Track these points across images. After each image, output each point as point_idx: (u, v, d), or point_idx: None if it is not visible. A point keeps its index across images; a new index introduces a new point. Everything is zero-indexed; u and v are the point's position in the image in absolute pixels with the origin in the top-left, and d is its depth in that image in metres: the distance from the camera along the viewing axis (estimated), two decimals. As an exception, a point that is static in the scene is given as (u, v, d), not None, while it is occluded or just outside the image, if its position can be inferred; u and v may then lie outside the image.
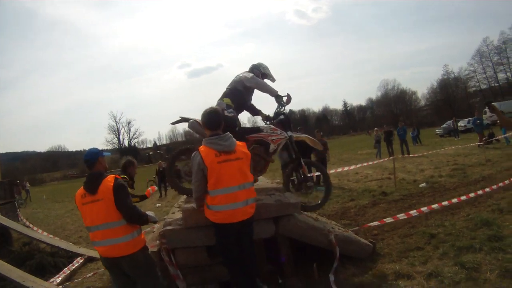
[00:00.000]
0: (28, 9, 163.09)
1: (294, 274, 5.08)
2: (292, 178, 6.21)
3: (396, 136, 22.67)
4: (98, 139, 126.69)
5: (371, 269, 5.03)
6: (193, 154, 4.11)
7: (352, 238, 5.55)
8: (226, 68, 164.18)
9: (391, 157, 14.76)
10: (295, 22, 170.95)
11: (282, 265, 5.14)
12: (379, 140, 23.44)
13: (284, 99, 5.85)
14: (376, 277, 4.75)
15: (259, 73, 6.14)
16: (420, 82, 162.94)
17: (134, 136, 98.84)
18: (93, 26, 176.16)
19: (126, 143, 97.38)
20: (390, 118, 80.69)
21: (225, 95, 5.90)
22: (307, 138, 6.34)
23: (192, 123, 5.67)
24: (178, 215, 5.49)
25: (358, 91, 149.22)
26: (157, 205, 14.58)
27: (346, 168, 11.91)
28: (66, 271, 7.56)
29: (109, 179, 3.80)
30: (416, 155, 18.07)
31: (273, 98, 5.74)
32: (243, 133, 5.72)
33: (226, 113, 5.56)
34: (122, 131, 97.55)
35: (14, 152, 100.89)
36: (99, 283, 6.53)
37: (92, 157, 3.92)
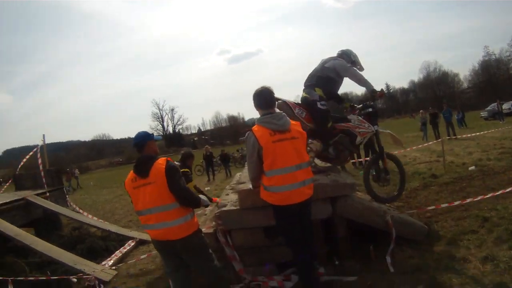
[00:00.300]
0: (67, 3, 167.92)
1: (351, 256, 5.01)
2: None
3: (442, 119, 22.04)
4: (142, 127, 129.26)
5: (427, 251, 4.91)
6: (246, 135, 4.03)
7: (408, 219, 5.42)
8: (265, 53, 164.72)
9: (438, 140, 14.36)
10: (332, 6, 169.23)
11: (338, 247, 5.04)
12: (425, 123, 22.98)
13: (378, 94, 5.66)
14: (432, 259, 4.65)
15: (349, 60, 5.86)
16: (461, 64, 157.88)
17: (178, 123, 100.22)
18: (132, 17, 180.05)
19: (170, 129, 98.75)
20: (433, 100, 78.21)
21: (316, 84, 5.66)
22: (390, 135, 6.22)
23: (281, 104, 5.51)
24: (233, 196, 5.49)
25: (399, 74, 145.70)
26: (206, 188, 14.63)
27: (395, 152, 11.69)
28: (118, 253, 7.71)
29: (161, 162, 3.73)
30: (463, 136, 17.68)
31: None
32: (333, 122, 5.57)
33: (319, 105, 5.47)
34: (166, 118, 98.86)
35: (59, 142, 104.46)
36: (152, 265, 6.63)
37: (142, 139, 3.91)
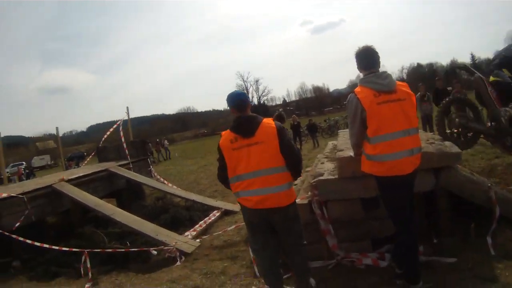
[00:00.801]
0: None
1: (451, 234, 4.38)
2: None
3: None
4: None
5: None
6: (348, 97, 3.55)
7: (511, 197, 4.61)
8: (348, 23, 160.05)
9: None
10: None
11: (438, 223, 4.47)
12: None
13: None
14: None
15: None
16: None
17: (263, 94, 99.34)
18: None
19: (255, 101, 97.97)
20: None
21: (504, 64, 5.28)
22: None
23: (477, 79, 4.90)
24: (329, 165, 5.00)
25: (484, 44, 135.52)
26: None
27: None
28: (202, 224, 7.43)
29: (269, 121, 3.43)
30: None
31: None
32: None
33: None
34: (250, 90, 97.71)
35: (144, 116, 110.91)
36: (237, 237, 6.17)
37: (245, 97, 3.59)
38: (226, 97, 3.56)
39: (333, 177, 4.40)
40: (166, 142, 33.91)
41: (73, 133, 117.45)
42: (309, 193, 4.62)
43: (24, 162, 50.70)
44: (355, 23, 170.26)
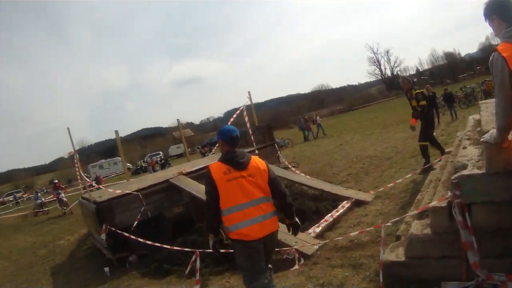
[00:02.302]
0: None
1: None
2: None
3: None
4: (361, 72, 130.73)
5: None
6: (491, 57, 2.80)
7: None
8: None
9: None
10: None
11: None
12: None
13: None
14: None
15: None
16: None
17: (395, 65, 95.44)
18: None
19: (388, 73, 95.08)
20: None
21: None
22: None
23: None
24: (472, 151, 3.91)
25: None
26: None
27: None
28: (329, 218, 6.86)
29: (256, 158, 3.77)
30: None
31: None
32: None
33: None
34: (382, 61, 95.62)
35: (279, 97, 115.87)
36: (366, 236, 5.44)
37: (238, 134, 3.81)
38: (218, 131, 3.92)
39: (479, 172, 3.30)
40: (318, 118, 31.21)
41: (210, 119, 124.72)
42: (449, 192, 3.53)
43: (161, 152, 54.91)
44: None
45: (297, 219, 3.90)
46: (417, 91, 8.66)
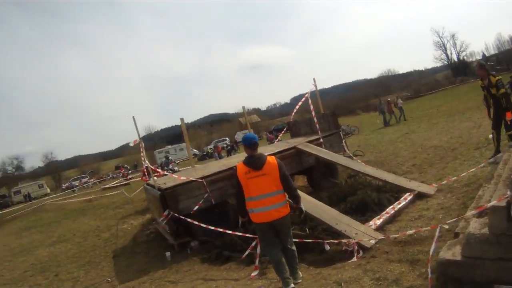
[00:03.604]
0: None
1: None
2: None
3: None
4: (426, 57, 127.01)
5: None
6: None
7: None
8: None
9: None
10: None
11: None
12: None
13: None
14: None
15: None
16: None
17: (461, 50, 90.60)
18: None
19: (454, 58, 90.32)
20: None
21: None
22: None
23: None
24: None
25: None
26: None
27: None
28: (390, 210, 6.94)
29: (272, 158, 4.97)
30: None
31: None
32: None
33: None
34: (448, 46, 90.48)
35: (345, 83, 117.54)
36: (425, 231, 5.37)
37: (257, 140, 5.12)
38: (242, 138, 5.48)
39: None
40: (400, 101, 29.25)
41: (277, 105, 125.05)
42: (508, 191, 3.59)
43: (227, 138, 55.69)
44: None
45: (301, 206, 5.08)
46: (497, 77, 8.42)
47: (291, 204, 5.11)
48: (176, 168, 19.59)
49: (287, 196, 5.01)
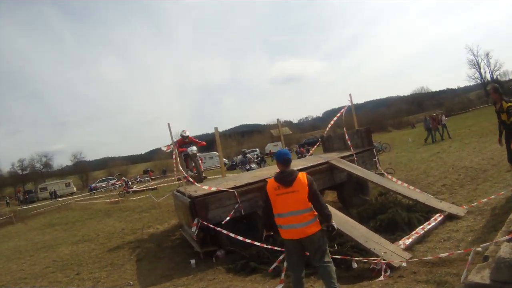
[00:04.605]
0: None
1: None
2: None
3: None
4: (459, 75, 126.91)
5: None
6: None
7: None
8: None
9: None
10: None
11: None
12: None
13: None
14: None
15: None
16: None
17: (495, 68, 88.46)
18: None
19: (488, 76, 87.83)
20: None
21: None
22: None
23: None
24: None
25: None
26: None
27: None
28: (420, 230, 7.01)
29: (303, 175, 4.88)
30: None
31: None
32: None
33: None
34: (482, 65, 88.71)
35: (378, 99, 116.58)
36: (455, 255, 5.48)
37: (290, 156, 5.11)
38: (275, 154, 5.50)
39: None
40: (444, 118, 28.08)
41: (309, 119, 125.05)
42: None
43: (257, 149, 55.79)
44: None
45: (333, 223, 4.86)
46: (510, 103, 8.09)
47: (321, 221, 4.93)
48: (253, 166, 19.10)
49: (316, 213, 4.87)
